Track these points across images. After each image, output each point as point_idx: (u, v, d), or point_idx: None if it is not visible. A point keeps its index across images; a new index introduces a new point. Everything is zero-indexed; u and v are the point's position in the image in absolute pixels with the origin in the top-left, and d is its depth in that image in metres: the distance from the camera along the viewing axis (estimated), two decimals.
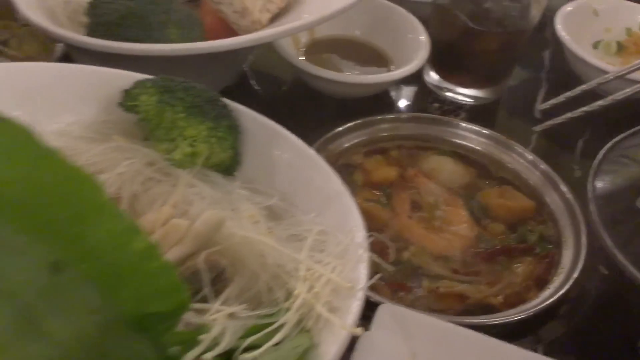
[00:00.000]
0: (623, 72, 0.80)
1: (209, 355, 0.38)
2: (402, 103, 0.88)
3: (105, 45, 0.62)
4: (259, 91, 0.86)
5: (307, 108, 0.83)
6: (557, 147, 0.85)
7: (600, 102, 0.77)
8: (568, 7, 0.94)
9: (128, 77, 0.58)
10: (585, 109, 0.78)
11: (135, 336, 0.33)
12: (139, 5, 0.66)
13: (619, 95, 0.77)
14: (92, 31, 0.67)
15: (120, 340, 0.32)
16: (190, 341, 0.38)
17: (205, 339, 0.39)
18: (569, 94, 0.81)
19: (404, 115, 0.79)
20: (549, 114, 0.83)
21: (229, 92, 0.60)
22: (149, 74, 0.58)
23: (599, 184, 0.64)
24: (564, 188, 0.70)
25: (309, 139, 0.59)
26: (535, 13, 0.81)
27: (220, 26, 0.72)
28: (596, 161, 0.66)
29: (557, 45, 0.92)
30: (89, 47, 0.62)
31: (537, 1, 0.80)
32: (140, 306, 0.33)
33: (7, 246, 0.25)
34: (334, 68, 0.82)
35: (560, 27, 0.89)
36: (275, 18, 0.75)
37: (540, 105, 0.86)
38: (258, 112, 0.60)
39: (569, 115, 0.79)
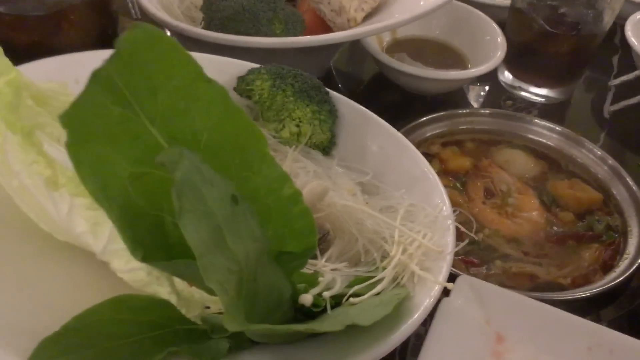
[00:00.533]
0: None
1: (327, 293, 0.45)
2: (477, 100, 0.93)
3: (225, 38, 0.69)
4: (342, 84, 0.93)
5: (386, 102, 0.89)
6: (625, 145, 0.89)
7: None
8: (638, 15, 0.97)
9: (239, 65, 0.66)
10: None
11: (276, 268, 0.40)
12: (250, 3, 0.73)
13: None
14: (207, 25, 0.75)
15: (267, 268, 0.39)
16: (311, 282, 0.45)
17: (323, 281, 0.46)
18: None
19: (481, 111, 0.85)
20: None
21: None
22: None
23: None
24: (630, 182, 0.74)
25: None
26: (608, 19, 0.85)
27: (316, 23, 0.80)
28: None
29: (626, 51, 0.96)
30: (209, 39, 0.70)
31: (611, 8, 0.84)
32: (280, 244, 0.41)
33: (206, 179, 0.32)
34: (413, 65, 0.87)
35: (630, 33, 0.94)
36: (367, 17, 0.81)
37: (611, 107, 0.90)
38: None
39: None
